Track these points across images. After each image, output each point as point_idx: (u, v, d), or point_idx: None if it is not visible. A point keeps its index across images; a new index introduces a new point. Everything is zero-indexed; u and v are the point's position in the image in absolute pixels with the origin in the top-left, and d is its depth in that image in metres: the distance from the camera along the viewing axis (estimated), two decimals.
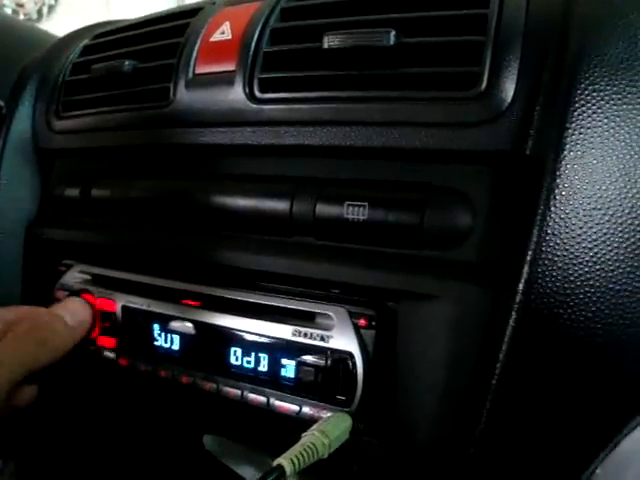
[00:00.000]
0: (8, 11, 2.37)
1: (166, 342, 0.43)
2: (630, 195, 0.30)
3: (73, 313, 0.40)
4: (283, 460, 0.30)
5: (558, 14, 0.33)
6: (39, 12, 2.47)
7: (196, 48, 0.44)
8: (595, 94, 0.30)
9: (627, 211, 0.30)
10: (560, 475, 0.33)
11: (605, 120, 0.30)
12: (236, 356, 0.39)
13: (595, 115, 0.30)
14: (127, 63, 0.47)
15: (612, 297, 0.30)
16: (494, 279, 0.32)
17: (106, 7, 2.28)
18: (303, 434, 0.32)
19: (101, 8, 2.35)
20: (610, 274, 0.30)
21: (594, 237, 0.29)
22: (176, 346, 0.42)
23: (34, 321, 0.38)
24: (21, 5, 2.42)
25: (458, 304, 0.33)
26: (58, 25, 2.39)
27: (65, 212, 0.52)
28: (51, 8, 2.48)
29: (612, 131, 0.30)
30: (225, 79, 0.41)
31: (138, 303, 0.44)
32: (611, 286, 0.30)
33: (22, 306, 0.44)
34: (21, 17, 2.44)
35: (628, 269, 0.30)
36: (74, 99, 0.52)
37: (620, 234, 0.30)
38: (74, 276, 0.49)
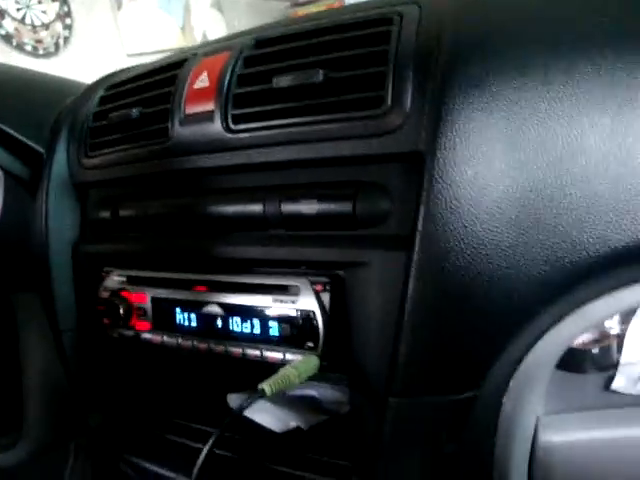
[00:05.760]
0: (28, 48, 2.56)
1: (185, 320, 0.57)
2: (492, 183, 0.41)
3: None
4: (265, 385, 0.43)
5: (434, 48, 0.45)
6: (56, 45, 2.65)
7: (184, 94, 0.57)
8: (457, 107, 0.42)
9: (492, 198, 0.41)
10: (464, 382, 0.45)
11: (464, 127, 0.42)
12: (236, 323, 0.53)
13: (456, 124, 0.42)
14: (134, 110, 0.60)
15: (484, 259, 0.42)
16: (406, 248, 0.44)
17: (117, 35, 2.45)
18: (281, 369, 0.46)
19: (113, 36, 2.52)
20: (480, 242, 0.42)
21: (466, 216, 0.41)
22: (193, 322, 0.56)
23: None
24: (39, 41, 2.60)
25: (383, 268, 0.45)
26: (75, 54, 2.57)
27: (101, 230, 0.67)
28: (66, 39, 2.66)
29: (471, 133, 0.42)
30: (207, 117, 0.54)
31: (163, 293, 0.58)
32: (482, 250, 0.42)
33: None
34: (40, 52, 2.62)
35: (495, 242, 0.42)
36: (98, 141, 0.66)
37: (485, 215, 0.41)
38: (113, 279, 0.63)
